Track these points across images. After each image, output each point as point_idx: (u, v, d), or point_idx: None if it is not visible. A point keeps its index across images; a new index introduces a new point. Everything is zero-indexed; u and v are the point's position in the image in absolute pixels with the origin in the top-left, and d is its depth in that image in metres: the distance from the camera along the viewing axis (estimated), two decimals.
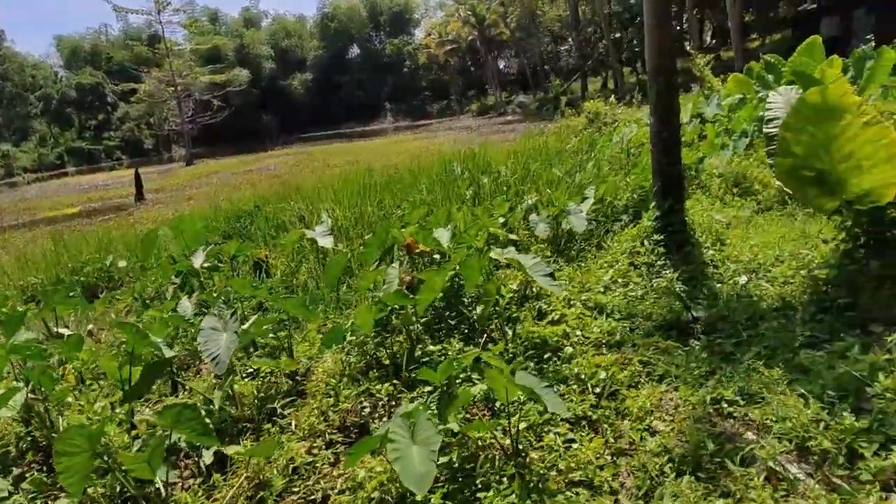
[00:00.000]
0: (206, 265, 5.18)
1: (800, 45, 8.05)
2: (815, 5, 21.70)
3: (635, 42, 29.74)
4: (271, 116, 62.14)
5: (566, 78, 44.59)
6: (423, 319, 3.72)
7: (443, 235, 4.23)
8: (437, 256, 4.44)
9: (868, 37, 10.62)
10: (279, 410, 3.05)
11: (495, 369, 2.22)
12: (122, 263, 6.54)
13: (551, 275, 3.23)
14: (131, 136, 53.73)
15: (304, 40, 68.06)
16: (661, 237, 4.57)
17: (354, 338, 3.36)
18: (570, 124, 11.99)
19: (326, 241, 5.05)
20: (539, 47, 49.02)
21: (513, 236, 4.56)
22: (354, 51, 69.73)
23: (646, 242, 4.61)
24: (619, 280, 4.23)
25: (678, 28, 36.66)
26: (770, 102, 4.02)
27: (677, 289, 4.00)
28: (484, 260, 3.57)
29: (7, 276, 7.52)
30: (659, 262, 4.41)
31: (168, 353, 2.90)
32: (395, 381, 3.13)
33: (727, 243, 4.66)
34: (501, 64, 62.65)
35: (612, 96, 14.20)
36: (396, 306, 3.42)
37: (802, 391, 2.49)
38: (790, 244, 4.35)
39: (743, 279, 3.98)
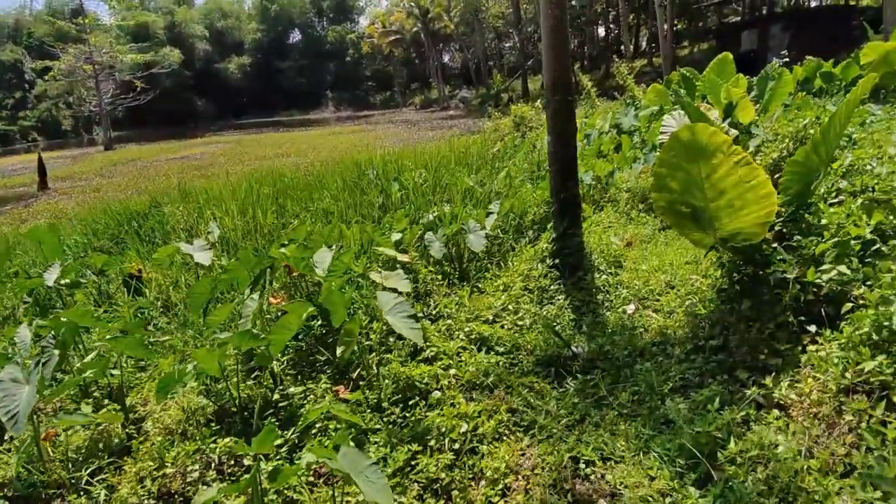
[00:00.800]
0: (64, 282, 4.60)
1: (712, 61, 8.21)
2: (738, 18, 22.72)
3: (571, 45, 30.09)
4: (205, 101, 59.14)
5: (509, 75, 44.86)
6: (287, 356, 3.38)
7: (324, 258, 3.88)
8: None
9: (783, 52, 11.07)
10: (93, 478, 2.62)
11: (318, 446, 1.92)
12: None
13: (414, 316, 2.96)
14: (48, 116, 49.60)
15: (241, 22, 65.10)
16: (557, 260, 4.43)
17: (198, 383, 2.97)
18: (498, 126, 11.84)
19: (203, 258, 4.58)
20: (483, 43, 49.00)
21: (404, 257, 4.27)
22: (296, 36, 67.49)
23: (541, 265, 4.45)
24: (511, 307, 4.04)
25: (614, 32, 37.63)
26: (664, 126, 3.92)
27: (567, 317, 3.87)
28: (349, 294, 3.26)
29: None
30: (553, 287, 4.26)
31: None
32: (238, 436, 2.78)
33: (623, 266, 4.58)
34: (446, 58, 62.39)
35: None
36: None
37: (660, 451, 2.35)
38: (684, 269, 4.31)
39: (631, 308, 3.88)
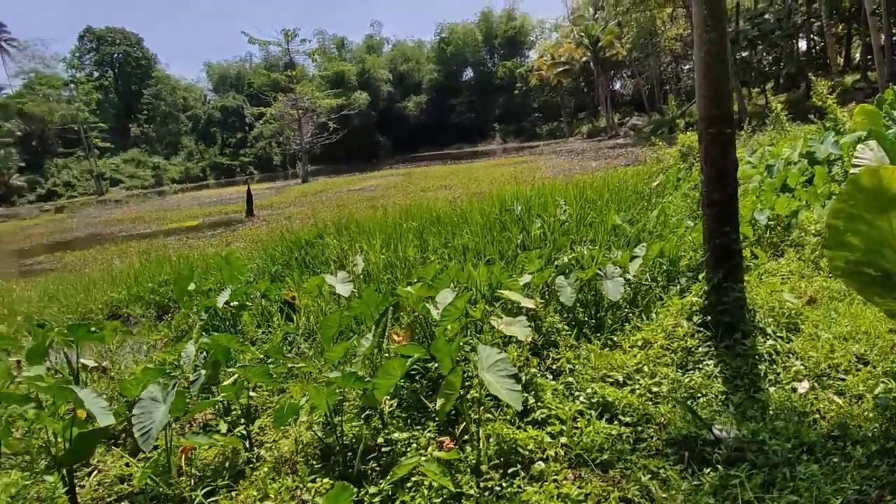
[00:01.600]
0: (233, 304, 5.25)
1: None
2: None
3: (764, 62, 26.87)
4: (386, 137, 65.25)
5: (686, 99, 41.66)
6: (397, 398, 3.36)
7: (445, 299, 3.83)
8: None
9: None
10: (206, 499, 2.84)
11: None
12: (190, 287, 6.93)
13: (515, 377, 2.71)
14: (262, 153, 59.41)
15: (420, 64, 70.86)
16: (708, 317, 3.79)
17: (310, 418, 3.09)
18: (661, 156, 10.91)
19: (344, 290, 4.88)
20: (657, 68, 46.42)
21: (529, 302, 4.02)
22: (468, 73, 71.27)
23: (689, 322, 3.85)
24: (647, 368, 3.54)
25: (821, 44, 32.67)
26: (856, 159, 3.17)
27: (714, 389, 3.25)
28: (457, 342, 3.13)
29: (98, 289, 8.34)
30: (700, 350, 3.64)
31: (105, 421, 2.84)
32: (340, 477, 2.80)
33: (799, 331, 3.74)
34: (616, 85, 60.39)
35: None
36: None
37: None
38: (885, 339, 3.37)
39: (802, 387, 3.12)
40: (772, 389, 3.17)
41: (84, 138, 51.15)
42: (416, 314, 4.12)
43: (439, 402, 2.79)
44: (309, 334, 5.06)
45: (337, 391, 3.00)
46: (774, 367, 3.37)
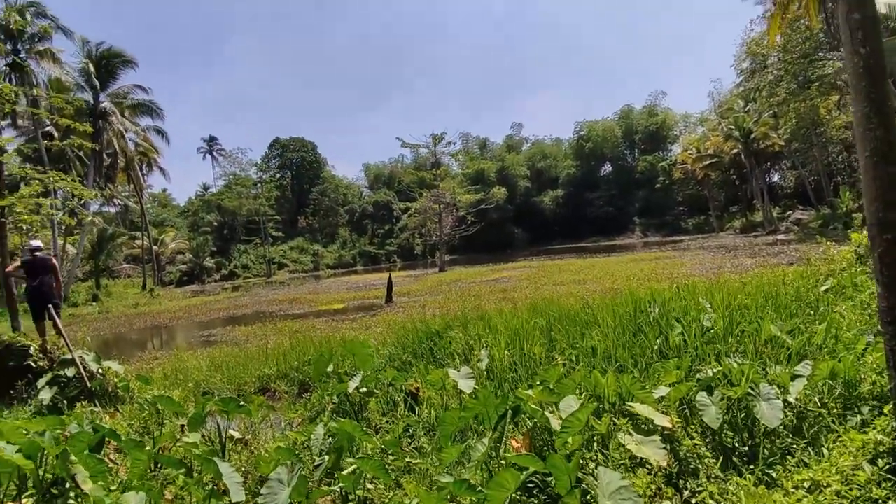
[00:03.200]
0: (363, 390, 5.50)
1: None
2: None
3: None
4: (521, 229, 66.62)
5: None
6: None
7: (568, 406, 3.62)
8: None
9: None
10: None
11: None
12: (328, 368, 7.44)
13: None
14: (406, 243, 63.88)
15: (558, 160, 72.77)
16: None
17: None
18: (832, 257, 9.58)
19: (466, 386, 4.86)
20: (825, 158, 42.20)
21: (664, 420, 3.62)
22: (606, 168, 71.41)
23: (871, 466, 3.14)
24: None
25: None
26: None
27: None
28: (575, 460, 2.88)
29: (254, 363, 9.29)
30: None
31: (237, 497, 3.03)
32: None
33: None
34: (775, 177, 55.86)
35: None
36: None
37: None
38: None
39: None
40: None
41: (262, 228, 59.79)
42: (537, 420, 3.93)
43: None
44: (430, 428, 5.05)
45: (448, 497, 2.91)
46: None
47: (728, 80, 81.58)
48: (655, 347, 5.81)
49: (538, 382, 4.37)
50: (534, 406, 3.57)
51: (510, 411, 3.88)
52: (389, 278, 21.69)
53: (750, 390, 3.90)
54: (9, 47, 27.42)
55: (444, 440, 4.00)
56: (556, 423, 3.42)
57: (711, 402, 3.87)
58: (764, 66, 34.01)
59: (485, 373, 5.63)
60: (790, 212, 46.03)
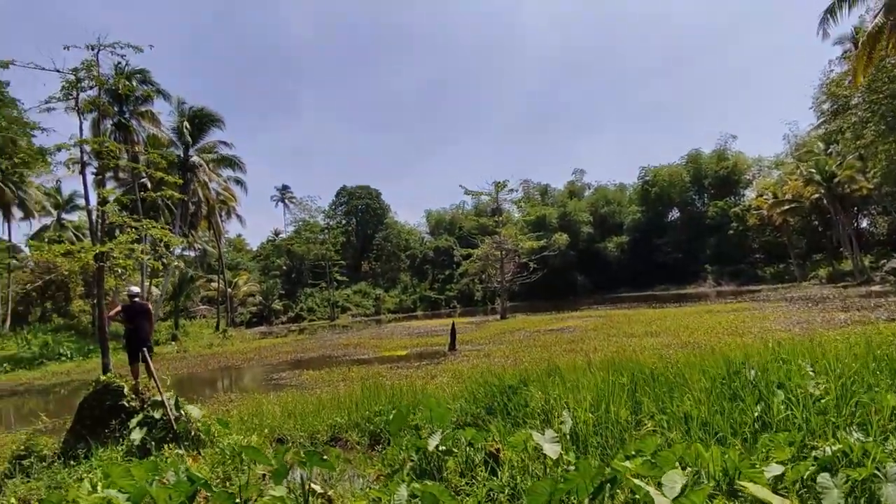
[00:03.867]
0: (441, 448, 5.39)
1: None
2: None
3: None
4: (584, 276, 65.16)
5: None
6: None
7: (673, 484, 3.37)
8: None
9: None
10: None
11: None
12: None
13: None
14: (466, 289, 63.95)
15: (622, 206, 71.42)
16: None
17: None
18: None
19: (552, 451, 4.64)
20: None
21: None
22: (674, 213, 69.22)
23: None
24: None
25: None
26: None
27: None
28: None
29: (326, 411, 9.37)
30: None
31: None
32: None
33: None
34: (864, 223, 52.07)
35: None
36: None
37: None
38: None
39: None
40: None
41: (328, 272, 61.79)
42: (636, 496, 3.67)
43: None
44: (513, 494, 4.84)
45: None
46: None
47: (804, 122, 78.15)
48: (755, 416, 5.36)
49: (633, 452, 4.11)
50: (636, 481, 3.34)
51: (608, 484, 3.65)
52: (453, 326, 21.61)
53: (875, 471, 3.49)
54: (115, 109, 30.66)
55: None
56: (661, 501, 3.17)
57: (833, 485, 3.48)
58: (847, 107, 32.35)
59: (568, 436, 5.37)
60: (884, 260, 42.49)
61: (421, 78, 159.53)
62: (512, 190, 40.41)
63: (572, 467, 3.80)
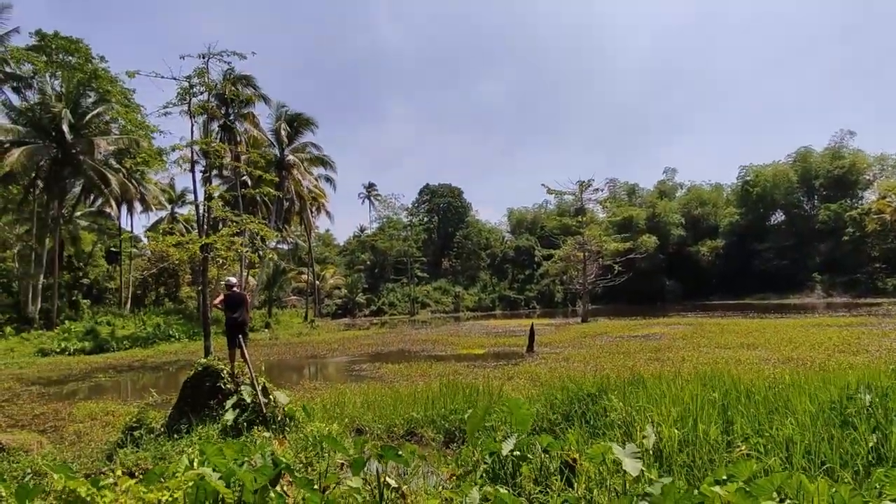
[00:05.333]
0: (516, 453, 5.31)
1: None
2: None
3: None
4: (674, 281, 61.77)
5: None
6: None
7: None
8: None
9: None
10: None
11: None
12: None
13: None
14: (546, 290, 62.87)
15: (717, 208, 66.90)
16: None
17: None
18: None
19: (633, 468, 4.40)
20: None
21: None
22: (777, 216, 63.78)
23: None
24: None
25: None
26: None
27: None
28: None
29: (403, 405, 9.58)
30: None
31: None
32: None
33: None
34: None
35: None
36: None
37: None
38: None
39: None
40: None
41: (409, 268, 63.25)
42: None
43: None
44: None
45: None
46: None
47: None
48: (870, 446, 4.79)
49: (725, 477, 3.80)
50: None
51: None
52: (532, 327, 21.29)
53: None
54: (222, 111, 33.24)
55: None
56: None
57: None
58: None
59: (651, 452, 5.09)
60: None
61: (508, 80, 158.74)
62: (597, 189, 39.05)
63: (655, 487, 3.58)
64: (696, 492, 3.53)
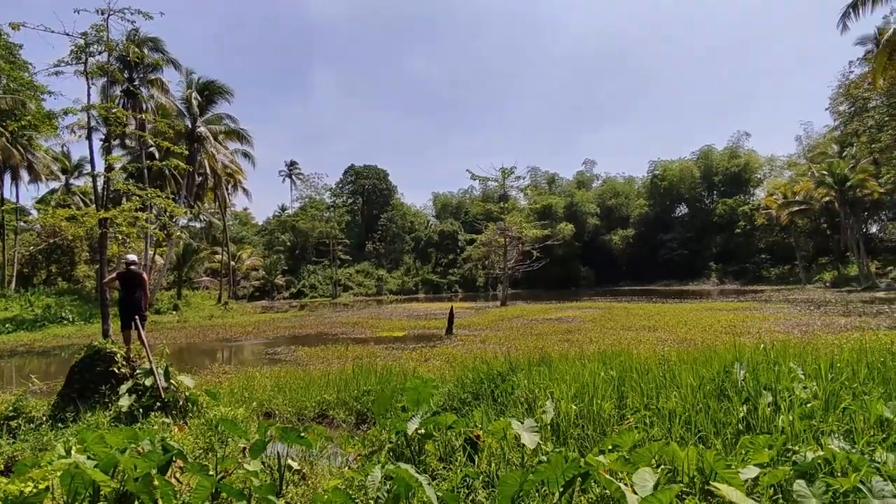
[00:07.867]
0: (420, 431, 5.37)
1: None
2: None
3: None
4: (587, 268, 64.95)
5: None
6: None
7: (643, 483, 3.33)
8: None
9: None
10: None
11: None
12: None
13: None
14: (469, 274, 63.98)
15: (629, 199, 70.89)
16: None
17: None
18: None
19: (530, 440, 4.60)
20: None
21: None
22: (682, 209, 68.71)
23: None
24: None
25: None
26: None
27: None
28: None
29: (315, 388, 9.40)
30: None
31: None
32: None
33: None
34: (873, 228, 51.47)
35: None
36: None
37: None
38: None
39: None
40: None
41: (331, 250, 61.92)
42: (610, 493, 3.63)
43: None
44: (489, 482, 4.82)
45: None
46: None
47: (819, 123, 77.13)
48: (740, 417, 5.30)
49: (610, 447, 4.07)
50: (608, 478, 3.30)
51: (579, 478, 3.61)
52: (451, 311, 21.60)
53: (860, 484, 3.42)
54: (125, 75, 30.48)
55: (502, 501, 3.78)
56: (631, 499, 3.13)
57: (812, 494, 3.42)
58: (864, 109, 31.74)
59: (549, 426, 5.34)
60: (891, 267, 42.09)
61: (434, 65, 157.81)
62: (519, 177, 40.16)
63: (546, 458, 3.76)
64: (582, 461, 3.74)
